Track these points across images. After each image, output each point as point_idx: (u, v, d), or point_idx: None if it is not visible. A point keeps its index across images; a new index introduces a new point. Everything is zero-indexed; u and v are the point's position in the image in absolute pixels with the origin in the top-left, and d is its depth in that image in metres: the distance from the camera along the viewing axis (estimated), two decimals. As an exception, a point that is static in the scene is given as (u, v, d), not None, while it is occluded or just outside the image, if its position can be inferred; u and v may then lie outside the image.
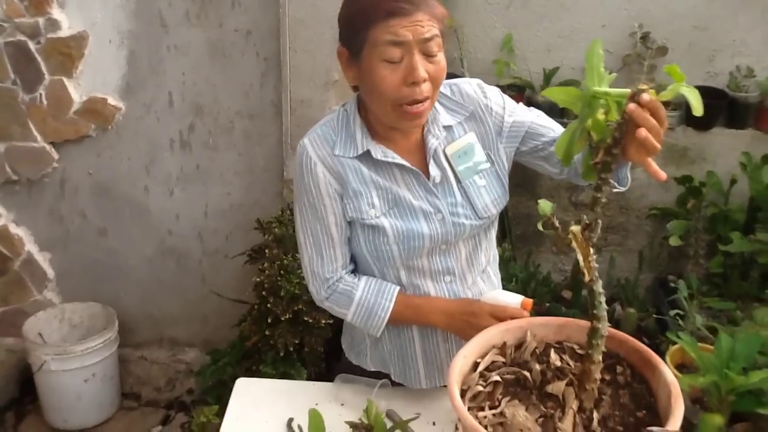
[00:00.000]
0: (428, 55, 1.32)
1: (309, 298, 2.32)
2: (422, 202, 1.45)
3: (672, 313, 2.05)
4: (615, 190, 1.45)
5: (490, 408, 1.24)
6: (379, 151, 1.43)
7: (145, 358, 3.25)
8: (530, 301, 1.45)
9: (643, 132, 1.07)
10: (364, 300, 1.48)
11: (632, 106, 1.07)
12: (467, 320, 1.44)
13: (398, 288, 1.49)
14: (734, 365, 1.71)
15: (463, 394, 1.25)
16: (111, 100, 2.80)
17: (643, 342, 2.50)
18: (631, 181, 1.48)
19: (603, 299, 1.27)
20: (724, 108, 2.57)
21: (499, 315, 1.42)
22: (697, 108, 1.10)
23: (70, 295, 3.14)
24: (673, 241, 2.46)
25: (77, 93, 2.78)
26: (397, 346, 1.58)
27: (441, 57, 1.34)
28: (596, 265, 1.27)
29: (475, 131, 1.50)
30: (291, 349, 2.30)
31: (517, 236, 2.74)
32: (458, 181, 1.48)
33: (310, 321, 2.30)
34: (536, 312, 2.43)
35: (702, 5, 2.51)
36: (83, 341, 2.84)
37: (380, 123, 1.43)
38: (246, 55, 2.71)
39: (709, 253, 2.49)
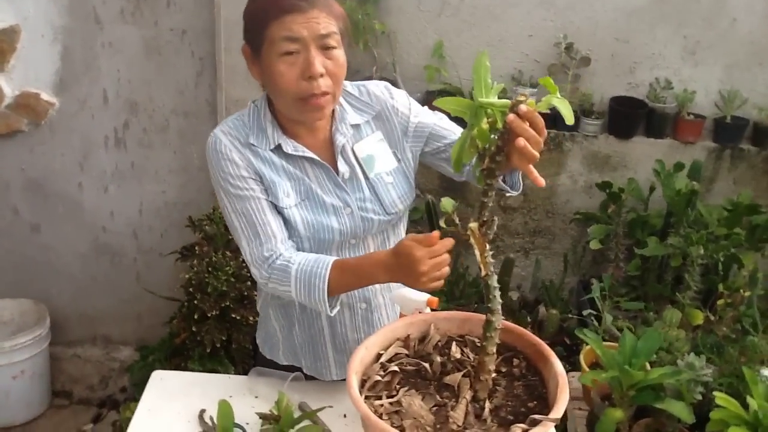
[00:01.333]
0: (326, 50, 1.36)
1: (236, 295, 2.36)
2: (332, 197, 1.50)
3: (585, 312, 2.13)
4: (508, 194, 1.52)
5: (388, 397, 1.28)
6: (290, 146, 1.47)
7: (78, 356, 3.22)
8: (435, 299, 1.50)
9: (521, 141, 1.12)
10: (301, 272, 1.42)
11: (511, 116, 1.12)
12: (407, 270, 1.37)
13: (334, 257, 1.46)
14: (636, 362, 1.79)
15: (363, 384, 1.30)
16: (44, 96, 2.77)
17: (565, 342, 2.60)
18: (526, 186, 1.54)
19: (498, 293, 1.33)
20: (643, 118, 2.68)
21: (436, 252, 1.36)
22: (569, 117, 1.16)
23: (1, 292, 3.09)
24: (593, 245, 2.55)
25: (9, 87, 2.75)
26: (308, 338, 1.62)
27: (340, 53, 1.39)
28: (492, 261, 1.34)
29: (382, 130, 1.56)
30: (218, 345, 2.31)
31: (446, 238, 2.81)
32: (366, 177, 1.53)
33: (238, 318, 2.32)
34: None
35: (622, 18, 2.62)
36: (11, 338, 2.81)
37: (288, 119, 1.47)
38: (181, 54, 2.72)
39: (629, 256, 2.59)
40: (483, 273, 1.32)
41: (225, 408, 1.50)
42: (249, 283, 2.40)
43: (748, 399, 1.60)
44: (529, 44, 2.66)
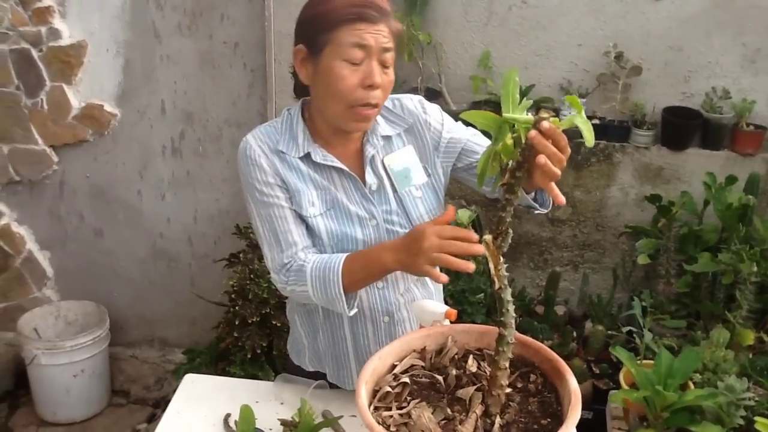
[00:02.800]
0: (383, 66, 1.39)
1: (277, 301, 2.40)
2: (358, 208, 1.51)
3: (625, 330, 2.07)
4: (537, 212, 1.50)
5: (397, 409, 1.28)
6: (319, 154, 1.49)
7: (136, 357, 3.36)
8: (454, 311, 1.49)
9: (542, 158, 1.11)
10: (316, 269, 1.43)
11: (533, 133, 1.11)
12: (410, 246, 1.35)
13: (347, 254, 1.46)
14: (672, 382, 1.73)
15: (375, 394, 1.30)
16: (107, 107, 2.92)
17: (611, 359, 2.52)
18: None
19: (511, 307, 1.31)
20: (699, 128, 2.57)
21: (445, 233, 1.33)
22: (589, 139, 1.13)
23: (67, 293, 3.26)
24: (641, 260, 2.47)
25: (76, 99, 2.91)
26: (331, 346, 1.64)
27: (392, 71, 1.42)
28: (506, 274, 1.32)
29: (414, 144, 1.56)
30: (259, 351, 2.36)
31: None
32: (394, 190, 1.54)
33: (278, 324, 2.36)
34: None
35: (676, 27, 2.53)
36: (73, 337, 2.95)
37: (323, 127, 1.50)
38: (234, 66, 2.81)
39: (680, 272, 2.50)
40: (496, 286, 1.30)
41: (246, 413, 1.54)
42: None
43: (793, 426, 1.52)
44: (578, 53, 2.61)
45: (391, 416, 1.26)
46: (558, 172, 1.17)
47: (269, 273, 1.57)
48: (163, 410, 3.14)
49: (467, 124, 1.63)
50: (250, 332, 2.37)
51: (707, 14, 2.51)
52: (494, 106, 2.64)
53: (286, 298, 2.38)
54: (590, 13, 2.56)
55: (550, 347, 2.26)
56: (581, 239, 2.78)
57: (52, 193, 3.11)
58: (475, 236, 1.32)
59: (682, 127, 2.56)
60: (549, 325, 2.58)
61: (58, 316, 3.21)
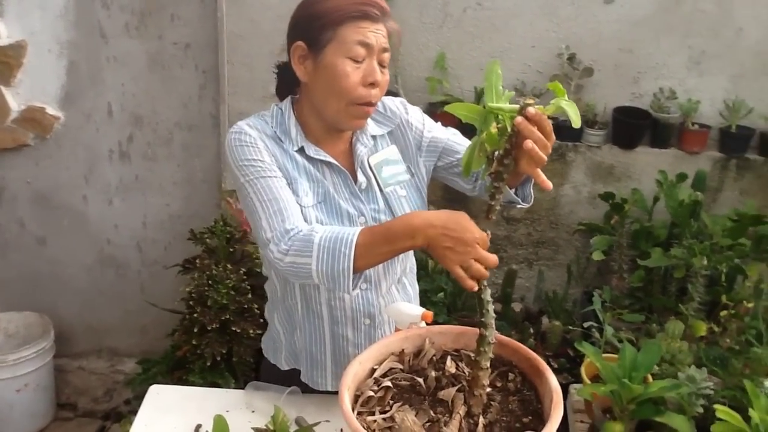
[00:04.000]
0: (381, 66, 1.40)
1: (237, 308, 2.35)
2: (348, 204, 1.51)
3: (587, 324, 2.11)
4: (519, 206, 1.52)
5: (381, 413, 1.27)
6: (312, 149, 1.49)
7: (83, 368, 3.23)
8: (430, 313, 1.49)
9: (529, 143, 1.12)
10: (325, 240, 1.32)
11: (519, 119, 1.13)
12: (451, 233, 1.26)
13: (361, 227, 1.36)
14: (636, 375, 1.77)
15: (356, 399, 1.29)
16: (50, 110, 2.80)
17: (568, 354, 2.57)
18: (534, 197, 1.53)
19: (491, 307, 1.32)
20: (648, 128, 2.66)
21: (485, 243, 1.27)
22: (576, 120, 1.16)
23: (7, 304, 3.11)
24: (596, 256, 2.53)
25: (15, 102, 2.78)
26: (308, 344, 1.62)
27: (387, 72, 1.43)
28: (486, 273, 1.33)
29: (397, 144, 1.59)
30: (219, 358, 2.31)
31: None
32: (381, 189, 1.55)
33: (239, 331, 2.32)
34: (465, 323, 2.49)
35: (626, 29, 2.61)
36: (14, 351, 2.82)
37: (315, 125, 1.49)
38: (185, 68, 2.74)
39: (633, 268, 2.57)
40: (476, 287, 1.31)
41: (220, 423, 1.50)
42: (249, 296, 2.39)
43: (750, 412, 1.58)
44: (531, 55, 2.65)
45: (375, 421, 1.25)
46: (545, 157, 1.18)
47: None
48: (114, 422, 3.09)
49: (450, 118, 1.65)
50: (210, 339, 2.31)
51: (655, 17, 2.59)
52: (450, 107, 2.66)
53: (248, 304, 2.36)
54: (543, 15, 2.61)
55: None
56: (536, 237, 2.83)
57: (-10, 201, 2.97)
58: (496, 261, 1.30)
59: (632, 127, 2.64)
60: (507, 322, 2.62)
61: (-3, 328, 3.07)
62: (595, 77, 2.63)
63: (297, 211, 1.42)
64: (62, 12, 2.68)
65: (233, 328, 2.31)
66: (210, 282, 2.32)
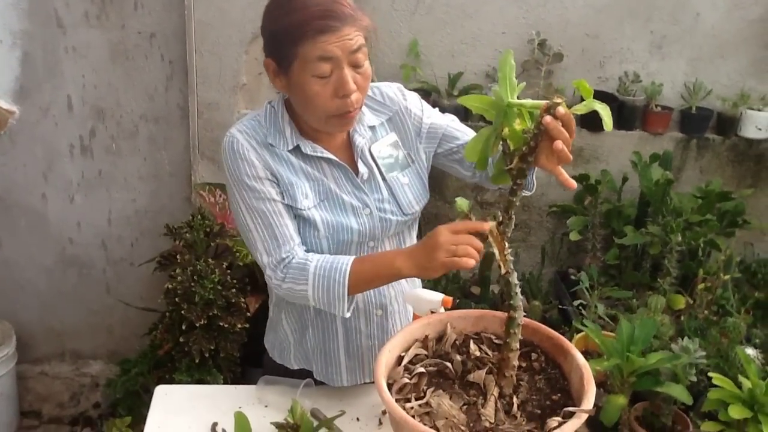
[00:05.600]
0: (356, 66, 1.36)
1: (223, 303, 2.31)
2: (351, 198, 1.49)
3: (576, 303, 2.17)
4: (522, 194, 1.53)
5: (416, 399, 1.28)
6: (308, 147, 1.46)
7: (46, 374, 3.11)
8: (450, 298, 1.51)
9: (559, 144, 1.14)
10: (320, 269, 1.40)
11: (548, 118, 1.13)
12: (424, 246, 1.35)
13: (354, 256, 1.44)
14: (634, 348, 1.84)
15: (389, 387, 1.29)
16: (3, 104, 2.66)
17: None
18: (535, 185, 1.56)
19: (518, 290, 1.34)
20: (614, 111, 2.74)
21: (458, 228, 1.34)
22: (608, 124, 1.18)
23: (-40, 311, 2.95)
24: (573, 237, 2.60)
25: (-35, 96, 2.63)
26: (320, 343, 1.61)
27: (367, 65, 1.39)
28: (512, 258, 1.35)
29: (396, 132, 1.57)
30: (206, 355, 2.26)
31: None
32: (383, 178, 1.53)
33: (226, 326, 2.28)
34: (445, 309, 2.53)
35: (592, 14, 2.68)
36: (-25, 361, 2.68)
37: (309, 123, 1.46)
38: (150, 58, 2.65)
39: (606, 246, 2.66)
40: (503, 271, 1.33)
41: (241, 420, 1.47)
42: (234, 290, 2.35)
43: (741, 378, 1.66)
44: (502, 41, 2.69)
45: (412, 407, 1.26)
46: (571, 156, 1.21)
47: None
48: (83, 427, 2.98)
49: (458, 110, 1.65)
50: (197, 336, 2.26)
51: (619, 3, 2.67)
52: (424, 93, 2.68)
53: (234, 299, 2.32)
54: (513, 2, 2.64)
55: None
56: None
57: (-62, 202, 2.80)
58: (486, 225, 1.33)
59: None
60: (487, 305, 2.66)
61: (-48, 336, 2.91)
62: (564, 62, 2.69)
63: (291, 233, 1.45)
64: (14, 1, 2.54)
65: (220, 323, 2.27)
66: (195, 277, 2.26)
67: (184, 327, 2.24)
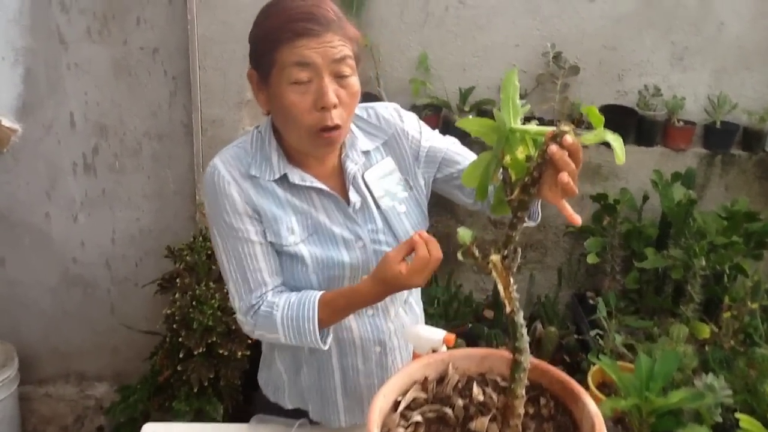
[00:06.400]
0: (340, 78, 1.26)
1: (223, 329, 2.22)
2: (342, 229, 1.39)
3: (593, 333, 2.06)
4: (524, 225, 1.42)
5: (413, 450, 1.18)
6: (296, 175, 1.36)
7: (50, 395, 3.05)
8: (452, 336, 1.40)
9: (565, 176, 1.03)
10: (287, 318, 1.33)
11: (554, 147, 1.03)
12: (386, 283, 1.30)
13: (321, 292, 1.36)
14: (654, 385, 1.72)
15: (383, 436, 1.19)
16: (5, 122, 2.61)
17: (565, 361, 2.52)
18: (540, 215, 1.45)
19: (524, 331, 1.23)
20: (634, 126, 2.62)
21: (401, 254, 1.28)
22: (621, 157, 1.08)
23: (-36, 331, 2.91)
24: (591, 259, 2.48)
25: (-33, 114, 2.58)
26: (316, 382, 1.51)
27: (354, 80, 1.28)
28: (517, 295, 1.24)
29: (393, 156, 1.46)
30: (205, 383, 2.18)
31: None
32: (378, 207, 1.43)
33: (226, 353, 2.19)
34: (458, 332, 2.41)
35: (609, 25, 2.57)
36: (-25, 384, 2.63)
37: (295, 148, 1.37)
38: (153, 74, 2.58)
39: (625, 268, 2.53)
40: (508, 309, 1.22)
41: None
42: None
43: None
44: (515, 54, 2.59)
45: (408, 460, 1.16)
46: (576, 190, 1.10)
47: (225, 319, 1.45)
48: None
49: (445, 131, 1.56)
50: (195, 364, 2.17)
51: (638, 13, 2.55)
52: (435, 109, 2.58)
53: (234, 325, 2.23)
54: (527, 13, 2.54)
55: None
56: (523, 240, 2.78)
57: (-59, 220, 2.76)
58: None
59: (618, 125, 2.60)
60: (500, 330, 2.55)
61: (-45, 357, 2.86)
62: (581, 75, 2.57)
63: (265, 278, 1.37)
64: (16, 16, 2.50)
65: (220, 351, 2.18)
66: (194, 303, 2.18)
67: (181, 355, 2.16)
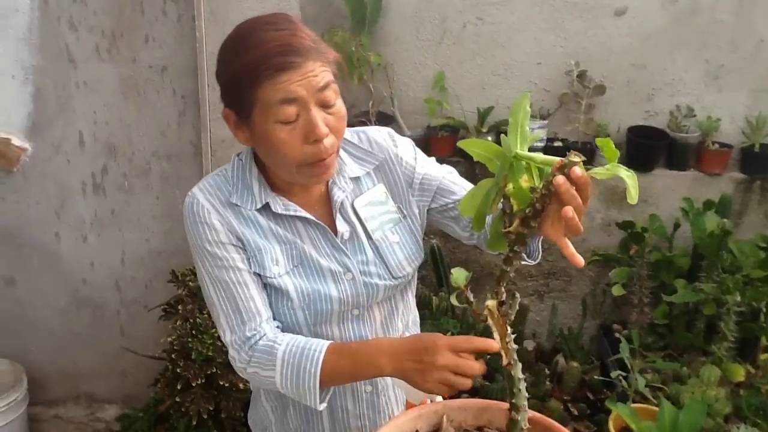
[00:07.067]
0: (326, 106, 1.17)
1: (223, 360, 2.13)
2: (330, 261, 1.29)
3: (613, 374, 1.90)
4: (523, 263, 1.28)
5: None
6: (279, 204, 1.27)
7: (60, 417, 2.99)
8: (451, 388, 1.27)
9: (569, 211, 0.93)
10: (289, 355, 1.21)
11: (561, 179, 0.93)
12: (419, 358, 1.15)
13: (330, 342, 1.25)
14: (677, 438, 1.57)
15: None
16: (15, 141, 2.57)
17: (588, 398, 2.36)
18: (540, 253, 1.32)
19: (523, 386, 1.11)
20: (664, 148, 2.47)
21: (461, 347, 1.14)
22: (633, 196, 0.97)
23: (-26, 351, 2.88)
24: (616, 291, 2.33)
25: (-22, 133, 2.56)
26: (303, 422, 1.41)
27: (340, 104, 1.19)
28: (515, 346, 1.12)
29: (385, 182, 1.36)
30: (205, 416, 2.08)
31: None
32: (369, 236, 1.32)
33: (226, 384, 2.09)
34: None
35: (638, 42, 2.42)
36: (-18, 406, 2.58)
37: (278, 175, 1.27)
38: (162, 93, 2.52)
39: (654, 300, 2.37)
40: (504, 362, 1.10)
41: None
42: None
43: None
44: (537, 72, 2.46)
45: None
46: (582, 228, 0.98)
47: (225, 349, 1.32)
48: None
49: (449, 143, 1.44)
50: (195, 395, 2.08)
51: (669, 30, 2.41)
52: (451, 130, 2.47)
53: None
54: (549, 29, 2.41)
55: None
56: (546, 268, 2.63)
57: (-47, 239, 2.73)
58: (496, 345, 1.10)
59: (648, 148, 2.45)
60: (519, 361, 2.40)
61: (-36, 378, 2.83)
62: (607, 95, 2.43)
63: (258, 307, 1.26)
64: (25, 35, 2.46)
65: (220, 382, 2.08)
66: (193, 331, 2.09)
67: (179, 386, 2.06)
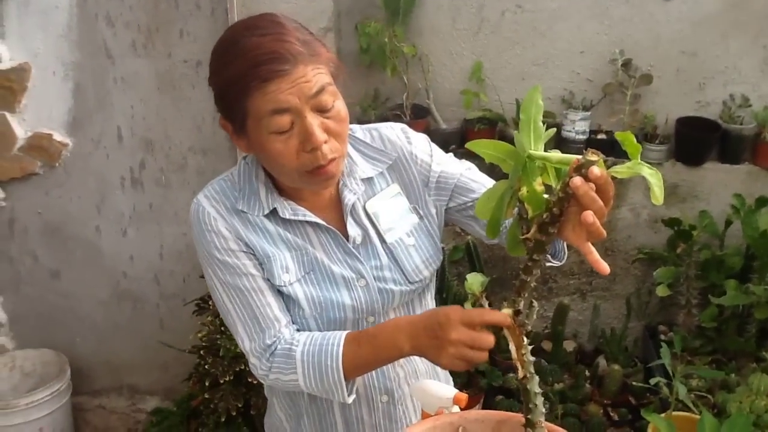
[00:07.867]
0: (323, 110, 1.11)
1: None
2: (342, 267, 1.24)
3: (652, 381, 1.81)
4: (548, 264, 1.21)
5: None
6: (287, 209, 1.22)
7: (103, 407, 3.05)
8: (464, 396, 1.21)
9: (590, 216, 0.87)
10: (308, 354, 1.18)
11: (578, 180, 0.86)
12: (433, 334, 1.11)
13: (345, 332, 1.22)
14: (719, 453, 1.47)
15: None
16: (57, 136, 2.62)
17: (630, 403, 2.25)
18: (566, 253, 1.24)
19: (540, 401, 1.04)
20: (716, 141, 2.33)
21: (474, 320, 1.09)
22: (659, 196, 0.89)
23: (23, 341, 2.95)
24: (661, 291, 2.21)
25: (21, 128, 2.61)
26: (318, 431, 1.37)
27: (339, 105, 1.13)
28: (532, 359, 1.05)
29: (399, 182, 1.30)
30: (234, 413, 2.07)
31: (493, 281, 2.51)
32: (382, 240, 1.27)
33: (255, 382, 2.08)
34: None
35: (688, 29, 2.29)
36: (27, 394, 2.64)
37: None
38: (197, 87, 2.52)
39: (703, 302, 2.24)
40: (520, 375, 1.04)
41: None
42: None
43: None
44: (580, 62, 2.35)
45: None
46: (604, 232, 0.91)
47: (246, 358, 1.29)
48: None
49: (470, 154, 1.37)
50: (224, 392, 2.08)
51: (723, 15, 2.27)
52: (488, 123, 2.39)
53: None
54: (593, 16, 2.30)
55: (562, 390, 1.98)
56: (588, 265, 2.50)
57: (1, 233, 2.79)
58: (507, 319, 1.05)
59: (698, 140, 2.32)
60: (558, 365, 2.32)
61: (13, 367, 2.89)
62: (654, 85, 2.31)
63: (276, 313, 1.23)
64: (65, 31, 2.49)
65: (249, 379, 2.07)
66: (222, 328, 2.08)
67: (207, 383, 2.06)
